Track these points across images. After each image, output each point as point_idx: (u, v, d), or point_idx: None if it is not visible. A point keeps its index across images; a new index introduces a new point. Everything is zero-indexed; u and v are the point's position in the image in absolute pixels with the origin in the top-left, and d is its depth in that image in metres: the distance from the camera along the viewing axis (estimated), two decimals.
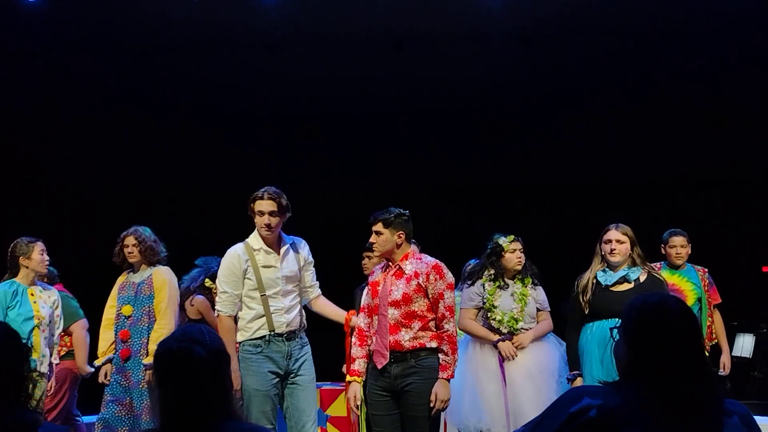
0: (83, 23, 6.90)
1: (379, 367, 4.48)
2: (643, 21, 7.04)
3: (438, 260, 4.55)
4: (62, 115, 8.00)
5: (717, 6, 6.72)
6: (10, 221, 7.32)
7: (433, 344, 4.40)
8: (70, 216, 8.29)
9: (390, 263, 4.61)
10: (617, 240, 4.81)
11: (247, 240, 4.73)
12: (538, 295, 5.21)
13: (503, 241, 5.17)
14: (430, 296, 4.43)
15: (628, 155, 8.43)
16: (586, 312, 4.79)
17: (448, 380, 4.38)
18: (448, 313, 4.41)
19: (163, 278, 5.44)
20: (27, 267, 5.37)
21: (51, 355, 5.40)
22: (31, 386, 2.23)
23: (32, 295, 5.37)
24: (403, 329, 4.41)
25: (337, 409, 6.48)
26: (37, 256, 5.39)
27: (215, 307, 4.81)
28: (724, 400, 2.16)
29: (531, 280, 5.20)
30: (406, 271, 4.49)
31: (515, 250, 5.15)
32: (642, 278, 4.79)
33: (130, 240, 5.50)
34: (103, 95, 7.83)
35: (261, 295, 4.59)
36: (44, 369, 5.22)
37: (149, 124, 8.10)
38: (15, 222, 7.65)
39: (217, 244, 5.52)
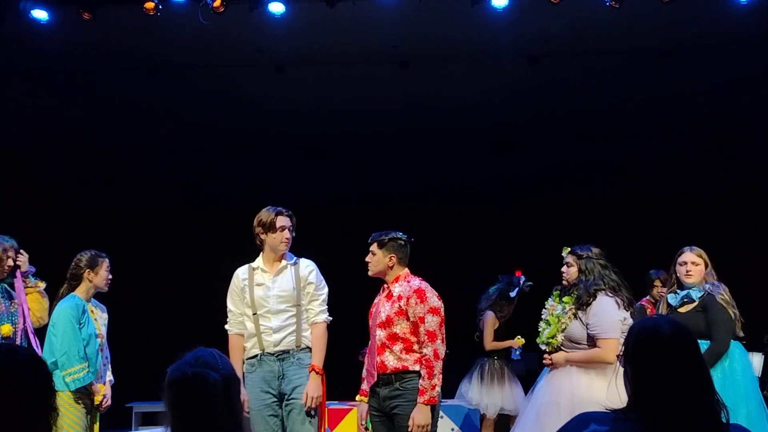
0: (92, 43, 6.96)
1: (368, 386, 4.60)
2: (652, 39, 7.07)
3: (424, 284, 4.56)
4: (70, 134, 8.06)
5: (726, 24, 6.74)
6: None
7: (417, 367, 4.42)
8: (77, 233, 8.31)
9: (384, 285, 4.69)
10: (692, 262, 4.86)
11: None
12: (588, 318, 4.53)
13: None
14: (411, 319, 4.46)
15: (634, 171, 8.45)
16: None
17: (427, 404, 4.35)
18: (427, 337, 4.40)
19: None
20: (90, 282, 5.00)
21: (107, 374, 5.13)
22: (53, 417, 2.19)
23: (92, 312, 5.04)
24: (387, 350, 4.47)
25: (345, 428, 6.49)
26: (104, 272, 5.02)
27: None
28: (728, 425, 2.16)
29: (572, 299, 4.63)
30: (394, 294, 4.56)
31: (564, 264, 4.76)
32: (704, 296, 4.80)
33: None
34: (112, 115, 7.90)
35: (253, 314, 4.66)
36: (107, 391, 4.97)
37: (157, 142, 8.16)
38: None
39: (221, 262, 5.59)
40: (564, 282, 4.72)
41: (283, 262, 4.75)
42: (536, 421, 4.54)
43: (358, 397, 4.78)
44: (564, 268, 4.71)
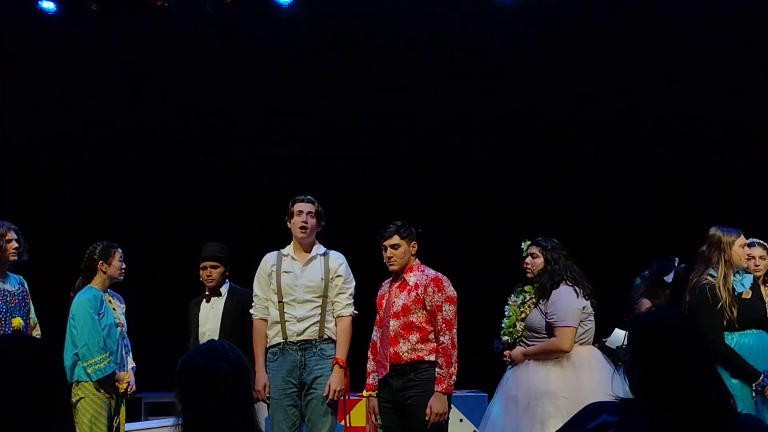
0: (103, 35, 6.96)
1: (380, 377, 4.57)
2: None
3: (440, 273, 4.56)
4: (79, 131, 8.05)
5: (742, 29, 6.68)
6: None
7: (432, 357, 4.42)
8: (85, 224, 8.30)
9: (394, 275, 4.67)
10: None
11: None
12: (546, 307, 4.56)
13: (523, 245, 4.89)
14: (428, 308, 4.45)
15: (645, 177, 8.38)
16: (735, 324, 4.38)
17: (444, 393, 4.36)
18: (445, 325, 4.40)
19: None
20: (105, 273, 5.05)
21: (129, 363, 5.18)
22: (68, 407, 2.19)
23: (110, 302, 5.08)
24: (402, 340, 4.45)
25: (355, 418, 6.47)
26: (117, 262, 5.07)
27: None
28: (739, 415, 2.15)
29: (533, 289, 4.68)
30: (409, 283, 4.54)
31: (527, 255, 4.79)
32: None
33: (13, 235, 4.81)
34: (122, 111, 7.88)
35: (279, 302, 4.65)
36: (131, 378, 5.04)
37: (169, 138, 8.15)
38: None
39: (231, 254, 5.60)
40: (528, 274, 4.73)
41: (313, 252, 4.74)
42: (498, 418, 4.59)
43: (365, 392, 4.74)
44: (529, 260, 4.73)
